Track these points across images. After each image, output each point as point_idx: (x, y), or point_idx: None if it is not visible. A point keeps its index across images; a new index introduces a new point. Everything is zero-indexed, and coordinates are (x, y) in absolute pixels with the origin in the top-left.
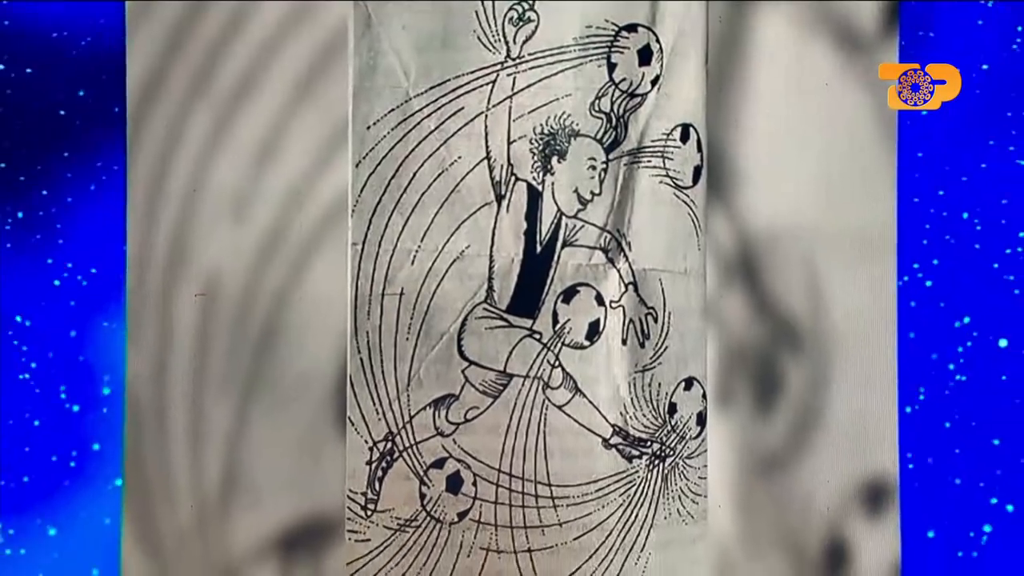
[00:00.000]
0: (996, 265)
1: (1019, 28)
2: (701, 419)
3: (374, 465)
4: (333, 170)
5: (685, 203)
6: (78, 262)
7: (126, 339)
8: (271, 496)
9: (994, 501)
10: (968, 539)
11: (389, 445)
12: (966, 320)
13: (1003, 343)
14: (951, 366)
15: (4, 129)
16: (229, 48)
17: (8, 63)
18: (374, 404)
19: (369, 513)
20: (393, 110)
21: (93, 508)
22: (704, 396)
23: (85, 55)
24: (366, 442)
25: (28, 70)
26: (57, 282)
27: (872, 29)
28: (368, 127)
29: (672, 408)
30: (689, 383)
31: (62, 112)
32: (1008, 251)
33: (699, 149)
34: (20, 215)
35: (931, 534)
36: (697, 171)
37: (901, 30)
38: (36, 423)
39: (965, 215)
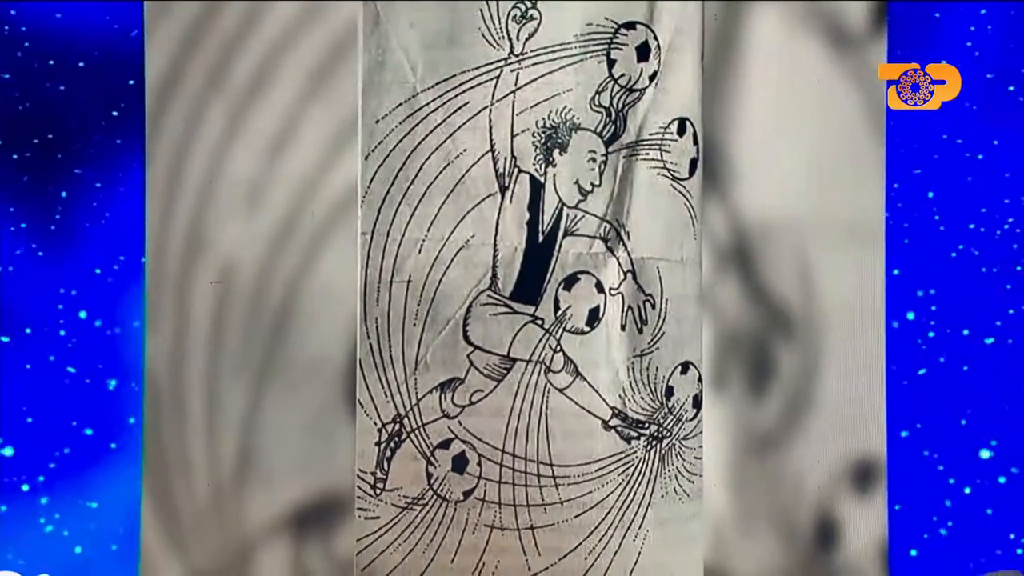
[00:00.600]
0: (953, 255)
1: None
2: (697, 402)
3: (383, 446)
4: (343, 162)
5: (682, 194)
6: (126, 249)
7: (144, 324)
8: (284, 475)
9: (952, 482)
10: (938, 512)
11: (397, 427)
12: (932, 307)
13: (965, 332)
14: (919, 340)
15: (57, 120)
16: (244, 45)
17: (60, 57)
18: (383, 387)
19: (378, 492)
20: (401, 104)
21: (130, 481)
22: (700, 380)
23: (136, 46)
24: (375, 424)
25: (80, 64)
26: (98, 270)
27: (862, 27)
28: (377, 121)
29: (669, 391)
30: (685, 367)
31: (121, 105)
32: (961, 247)
33: (695, 142)
34: (64, 194)
35: (897, 507)
36: (693, 163)
37: (890, 28)
38: (73, 399)
39: (931, 194)
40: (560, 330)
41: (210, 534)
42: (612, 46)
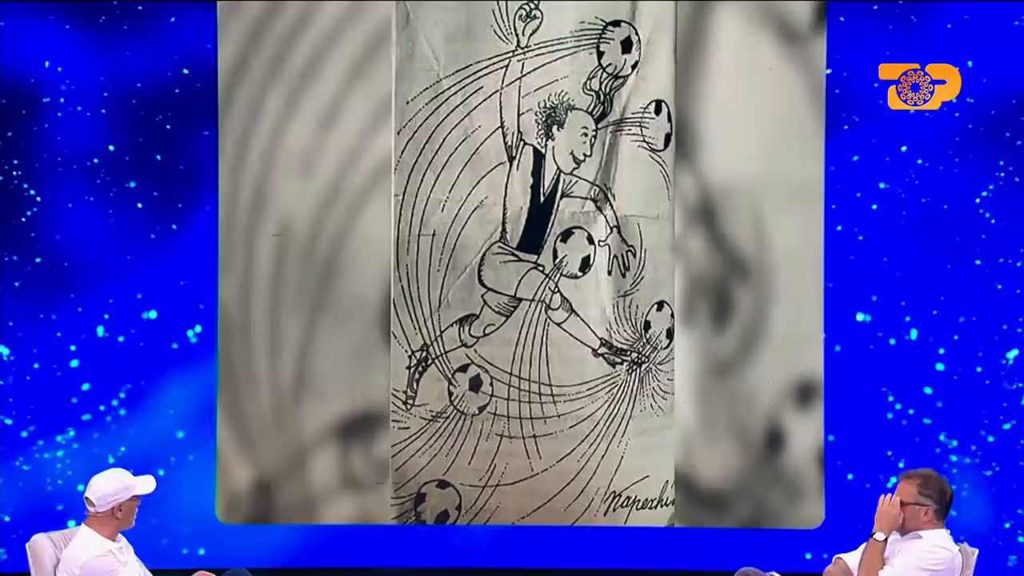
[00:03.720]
0: (859, 239)
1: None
2: (670, 333)
3: (412, 369)
4: (379, 136)
5: (658, 163)
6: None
7: (218, 271)
8: (333, 393)
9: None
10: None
11: (424, 354)
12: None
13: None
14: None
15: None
16: (298, 39)
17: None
18: (412, 322)
19: (409, 407)
20: (427, 89)
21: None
22: (672, 315)
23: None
24: (406, 351)
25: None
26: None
27: (806, 24)
28: (407, 102)
29: (647, 325)
30: (660, 305)
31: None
32: (865, 209)
33: (669, 120)
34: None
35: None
36: (668, 137)
37: (828, 24)
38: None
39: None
40: (558, 275)
41: (273, 440)
42: (601, 40)
